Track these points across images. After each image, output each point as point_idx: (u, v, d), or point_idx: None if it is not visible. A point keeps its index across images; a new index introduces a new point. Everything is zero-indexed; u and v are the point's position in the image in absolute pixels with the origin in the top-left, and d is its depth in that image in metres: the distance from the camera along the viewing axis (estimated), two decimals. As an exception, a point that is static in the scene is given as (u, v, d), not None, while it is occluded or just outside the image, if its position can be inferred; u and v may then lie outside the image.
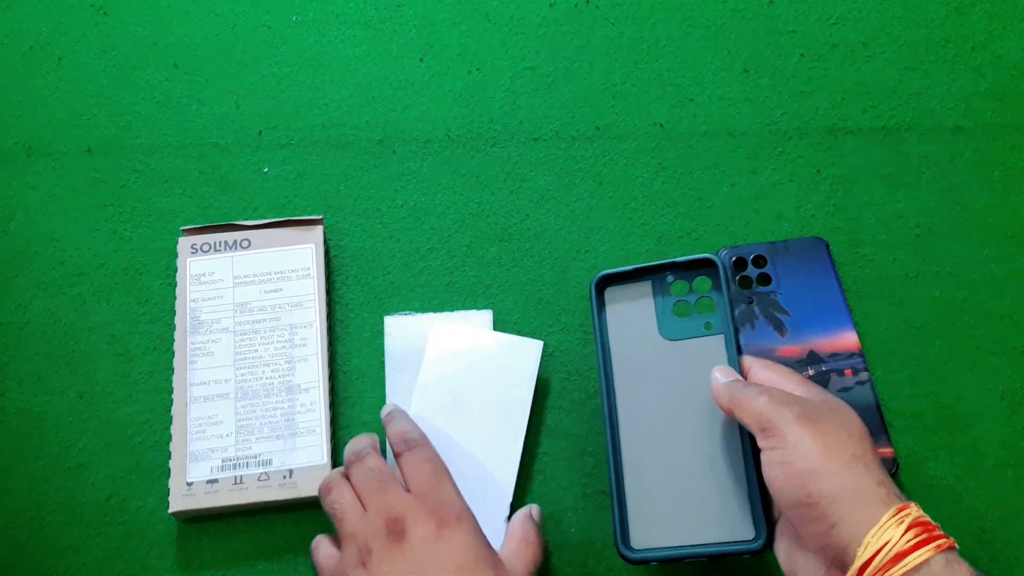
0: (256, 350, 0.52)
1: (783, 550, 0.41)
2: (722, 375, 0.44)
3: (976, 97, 0.61)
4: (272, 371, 0.52)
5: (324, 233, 0.56)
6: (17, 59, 0.62)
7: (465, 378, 0.52)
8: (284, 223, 0.55)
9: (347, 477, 0.45)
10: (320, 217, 0.55)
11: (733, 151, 0.60)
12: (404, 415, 0.48)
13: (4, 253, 0.57)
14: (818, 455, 0.37)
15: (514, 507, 0.50)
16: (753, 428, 0.40)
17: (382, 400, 0.53)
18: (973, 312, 0.56)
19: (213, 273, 0.54)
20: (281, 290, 0.54)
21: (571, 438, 0.53)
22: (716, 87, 0.62)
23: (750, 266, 0.55)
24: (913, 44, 0.63)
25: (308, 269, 0.54)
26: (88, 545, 0.50)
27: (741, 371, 0.45)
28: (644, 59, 0.63)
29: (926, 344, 0.55)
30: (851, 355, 0.53)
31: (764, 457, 0.39)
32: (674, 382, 0.46)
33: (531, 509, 0.49)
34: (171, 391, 0.53)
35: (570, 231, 0.58)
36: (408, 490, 0.43)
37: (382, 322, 0.55)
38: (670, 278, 0.48)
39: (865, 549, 0.35)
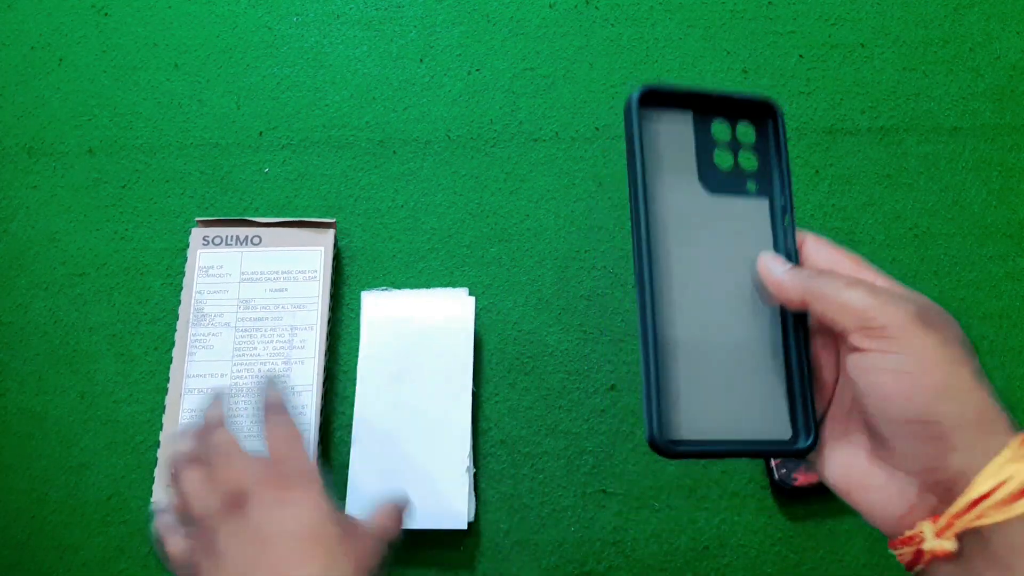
0: (255, 348, 0.52)
1: (845, 462, 0.36)
2: (775, 262, 0.37)
3: (974, 97, 0.61)
4: (268, 370, 0.52)
5: (335, 237, 0.56)
6: (18, 60, 0.62)
7: (405, 342, 0.53)
8: (297, 223, 0.55)
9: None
10: (333, 220, 0.56)
11: (732, 151, 0.60)
12: (275, 383, 0.46)
13: (5, 253, 0.57)
14: (946, 368, 0.32)
15: (474, 457, 0.51)
16: (846, 325, 0.34)
17: (382, 400, 0.53)
18: (972, 312, 0.56)
19: (221, 267, 0.54)
20: (286, 290, 0.54)
21: (571, 438, 0.53)
22: (715, 88, 0.62)
23: (749, 266, 0.55)
24: (912, 45, 0.63)
25: (315, 272, 0.54)
26: (89, 544, 0.50)
27: (796, 244, 0.38)
28: (644, 59, 0.63)
29: (925, 344, 0.55)
30: (850, 354, 0.53)
31: (865, 360, 0.33)
32: (713, 245, 0.38)
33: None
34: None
35: (570, 231, 0.58)
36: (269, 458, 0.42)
37: (382, 322, 0.55)
38: (712, 115, 0.39)
39: (985, 480, 0.31)
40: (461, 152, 0.60)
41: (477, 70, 0.62)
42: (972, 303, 0.56)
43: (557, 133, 0.61)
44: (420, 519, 0.49)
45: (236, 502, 0.39)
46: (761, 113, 0.39)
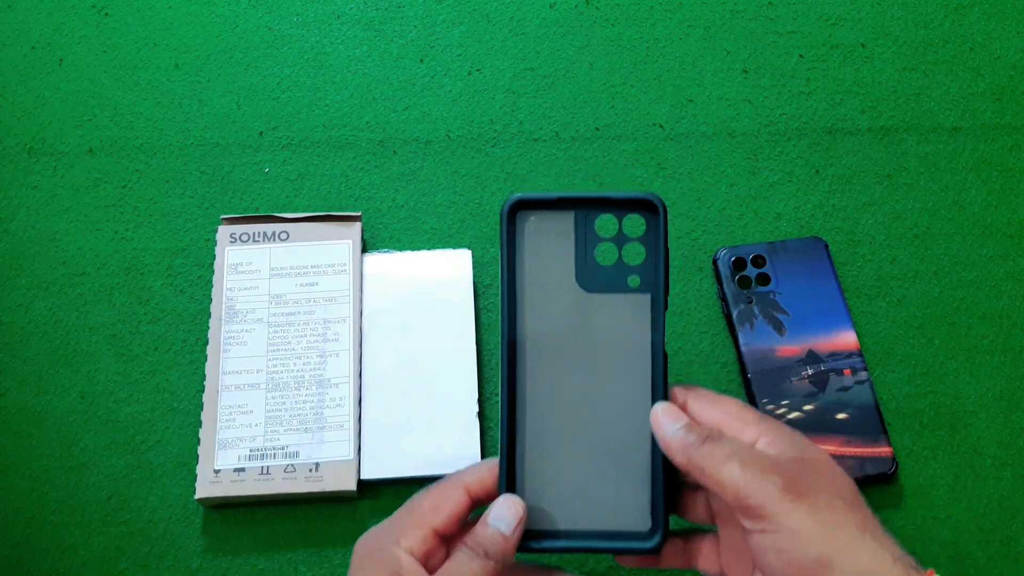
0: (289, 342, 0.53)
1: None
2: (667, 418, 0.37)
3: (975, 97, 0.61)
4: (304, 364, 0.52)
5: (362, 230, 0.56)
6: (19, 60, 0.62)
7: (407, 297, 0.54)
8: (323, 218, 0.56)
9: None
10: (359, 214, 0.56)
11: (732, 151, 0.60)
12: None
13: (6, 253, 0.57)
14: (821, 539, 0.32)
15: (481, 404, 0.52)
16: (727, 501, 0.34)
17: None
18: (971, 312, 0.56)
19: (251, 263, 0.55)
20: (316, 284, 0.54)
21: (571, 437, 0.53)
22: (715, 88, 0.62)
23: (749, 266, 0.55)
24: (912, 45, 0.63)
25: (344, 265, 0.55)
26: (89, 544, 0.50)
27: (671, 398, 0.38)
28: (644, 59, 0.63)
29: (925, 344, 0.55)
30: (850, 355, 0.53)
31: (752, 540, 0.34)
32: (586, 342, 0.39)
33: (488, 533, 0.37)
34: (172, 391, 0.53)
35: (570, 231, 0.58)
36: None
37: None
38: (597, 212, 0.39)
39: None
40: (461, 152, 0.60)
41: (477, 70, 0.62)
42: (972, 303, 0.56)
43: (557, 133, 0.61)
44: (436, 466, 0.50)
45: None
46: (648, 208, 0.39)
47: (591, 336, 0.39)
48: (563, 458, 0.39)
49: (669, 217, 0.39)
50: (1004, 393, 0.54)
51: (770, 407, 0.51)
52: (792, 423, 0.51)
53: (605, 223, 0.39)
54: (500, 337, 0.39)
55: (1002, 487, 0.51)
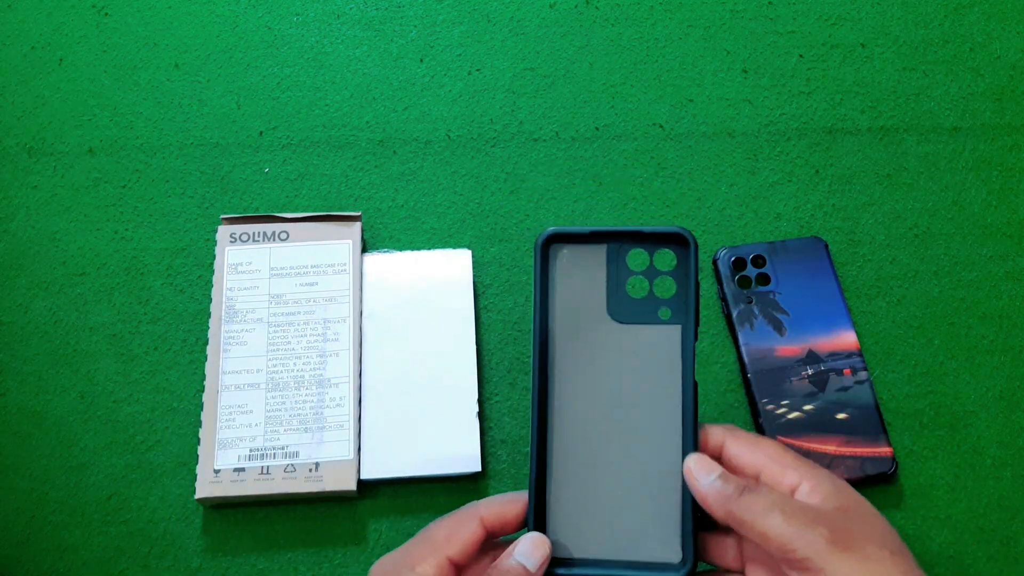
0: (289, 342, 0.53)
1: None
2: (701, 471, 0.36)
3: (975, 97, 0.62)
4: (304, 364, 0.52)
5: (362, 229, 0.56)
6: (19, 59, 0.62)
7: (407, 298, 0.54)
8: (323, 218, 0.56)
9: None
10: (359, 213, 0.56)
11: (732, 151, 0.60)
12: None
13: (6, 253, 0.57)
14: None
15: (481, 404, 0.52)
16: (771, 552, 0.34)
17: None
18: (971, 312, 0.56)
19: (250, 263, 0.55)
20: (316, 284, 0.54)
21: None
22: (715, 87, 0.62)
23: (749, 266, 0.55)
24: (912, 44, 0.63)
25: (344, 264, 0.55)
26: (89, 544, 0.50)
27: (701, 441, 0.38)
28: (644, 59, 0.63)
29: (925, 344, 0.55)
30: (850, 355, 0.53)
31: None
32: (616, 373, 0.40)
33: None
34: (172, 391, 0.53)
35: (570, 231, 0.58)
36: None
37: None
38: (629, 247, 0.40)
39: None
40: (461, 152, 0.60)
41: (477, 70, 0.62)
42: (972, 303, 0.56)
43: (557, 133, 0.61)
44: (436, 466, 0.50)
45: None
46: (680, 242, 0.39)
47: (622, 367, 0.40)
48: (592, 488, 0.39)
49: (699, 250, 0.39)
50: (1004, 393, 0.54)
51: (770, 407, 0.51)
52: (792, 423, 0.51)
53: (636, 257, 0.40)
54: (531, 370, 0.39)
55: (1002, 487, 0.51)
